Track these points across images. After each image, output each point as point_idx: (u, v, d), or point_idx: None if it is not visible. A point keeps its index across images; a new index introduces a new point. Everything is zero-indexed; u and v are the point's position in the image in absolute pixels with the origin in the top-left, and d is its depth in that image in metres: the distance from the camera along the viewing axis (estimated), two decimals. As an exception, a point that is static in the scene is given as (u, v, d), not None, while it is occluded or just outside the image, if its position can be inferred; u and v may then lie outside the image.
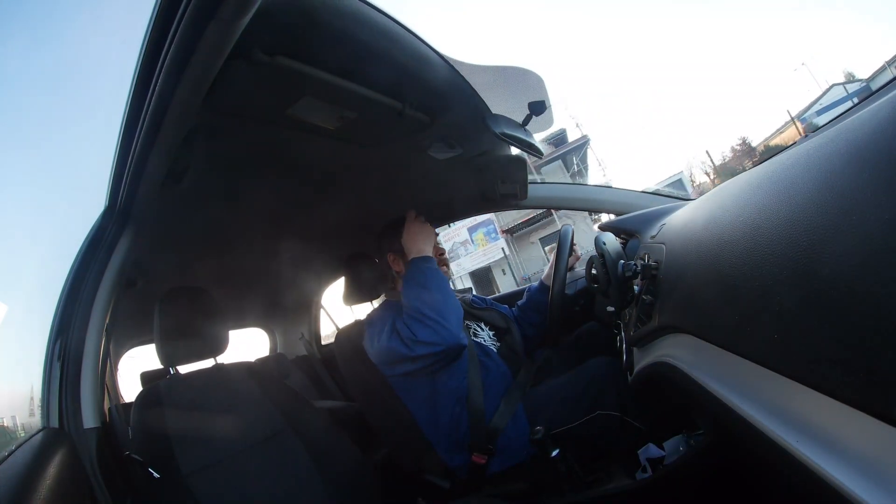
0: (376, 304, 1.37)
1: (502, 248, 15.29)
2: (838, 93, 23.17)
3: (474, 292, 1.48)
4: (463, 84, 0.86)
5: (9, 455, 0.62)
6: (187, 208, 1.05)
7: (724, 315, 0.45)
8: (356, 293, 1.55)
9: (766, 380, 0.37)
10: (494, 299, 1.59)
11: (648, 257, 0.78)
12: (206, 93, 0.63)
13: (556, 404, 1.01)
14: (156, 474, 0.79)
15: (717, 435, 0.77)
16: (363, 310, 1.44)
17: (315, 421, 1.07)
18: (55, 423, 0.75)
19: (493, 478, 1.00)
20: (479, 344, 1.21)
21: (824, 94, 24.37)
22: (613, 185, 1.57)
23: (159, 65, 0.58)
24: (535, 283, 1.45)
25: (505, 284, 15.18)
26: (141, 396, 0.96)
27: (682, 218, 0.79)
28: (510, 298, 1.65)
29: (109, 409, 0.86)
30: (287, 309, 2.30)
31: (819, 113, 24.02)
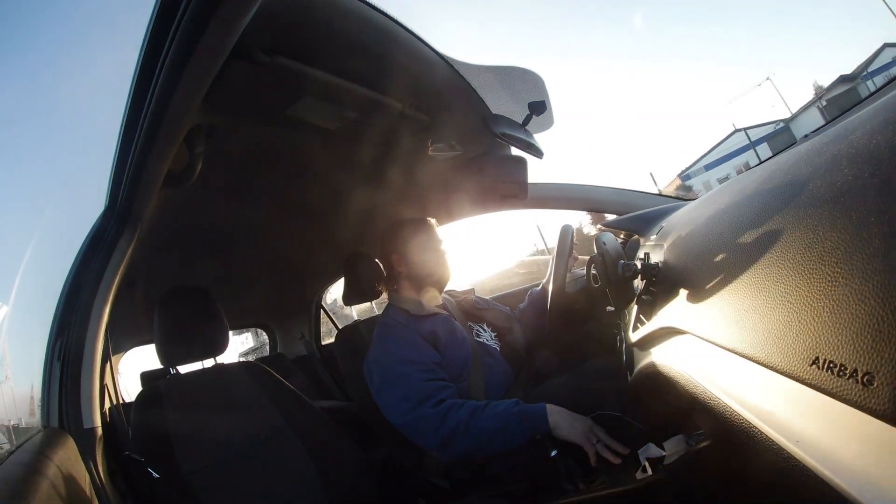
0: (376, 304, 1.37)
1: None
2: (741, 139, 20.17)
3: (476, 293, 1.48)
4: (463, 84, 0.86)
5: (9, 455, 0.62)
6: (187, 208, 1.05)
7: (724, 315, 0.45)
8: (356, 293, 1.55)
9: (766, 380, 0.37)
10: (495, 299, 1.59)
11: (648, 257, 0.78)
12: (206, 93, 0.63)
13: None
14: (156, 474, 0.79)
15: (718, 435, 0.77)
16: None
17: (315, 421, 1.07)
18: (55, 423, 0.75)
19: (493, 478, 1.00)
20: (482, 344, 1.21)
21: (725, 139, 21.14)
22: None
23: (159, 65, 0.58)
24: (538, 287, 1.45)
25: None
26: (141, 396, 0.97)
27: (682, 218, 0.79)
28: (511, 299, 1.65)
29: (109, 409, 0.86)
30: (287, 309, 2.30)
31: (709, 168, 20.84)
